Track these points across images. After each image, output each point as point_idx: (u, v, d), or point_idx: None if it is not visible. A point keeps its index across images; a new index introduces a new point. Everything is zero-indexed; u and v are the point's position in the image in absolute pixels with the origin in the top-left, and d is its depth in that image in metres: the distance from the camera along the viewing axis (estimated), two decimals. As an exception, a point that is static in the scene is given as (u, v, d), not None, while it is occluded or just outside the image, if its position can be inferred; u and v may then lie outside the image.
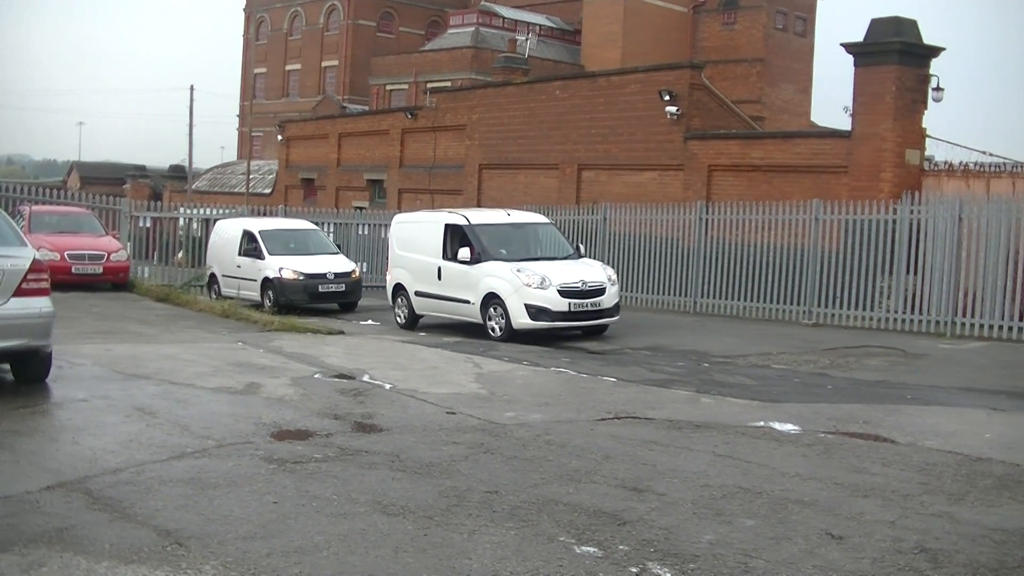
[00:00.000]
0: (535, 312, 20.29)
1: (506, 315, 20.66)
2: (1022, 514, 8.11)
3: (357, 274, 27.46)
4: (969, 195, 23.64)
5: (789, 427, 11.49)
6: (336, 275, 26.68)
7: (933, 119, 27.33)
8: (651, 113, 32.23)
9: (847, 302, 23.76)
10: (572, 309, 20.48)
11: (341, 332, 20.27)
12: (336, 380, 14.08)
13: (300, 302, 25.86)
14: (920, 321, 22.39)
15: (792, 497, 8.41)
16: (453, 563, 6.62)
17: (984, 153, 26.63)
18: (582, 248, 23.89)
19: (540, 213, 31.88)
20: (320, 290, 26.29)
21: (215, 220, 31.27)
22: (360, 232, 35.54)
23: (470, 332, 21.46)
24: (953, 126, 29.73)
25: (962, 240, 22.40)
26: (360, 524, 7.39)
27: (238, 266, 27.70)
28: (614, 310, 21.36)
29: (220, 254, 28.84)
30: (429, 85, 62.21)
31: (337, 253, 28.53)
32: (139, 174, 74.31)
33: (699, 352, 18.65)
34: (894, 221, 23.30)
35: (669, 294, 28.11)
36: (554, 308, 20.33)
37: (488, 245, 21.75)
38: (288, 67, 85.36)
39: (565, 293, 20.43)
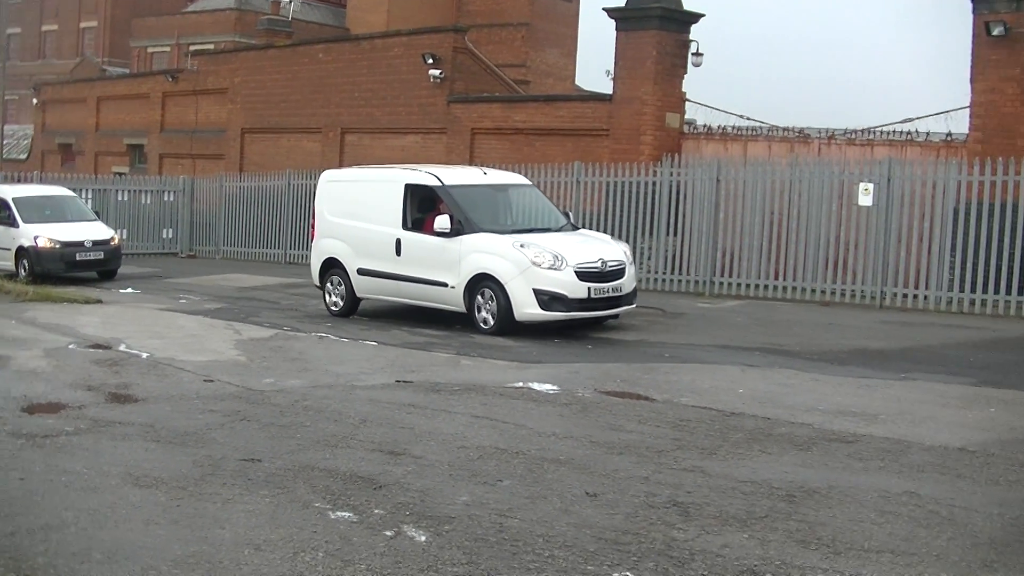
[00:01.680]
0: (548, 300, 16.08)
1: (504, 302, 16.30)
2: (771, 466, 8.41)
3: (116, 241, 26.68)
4: (727, 158, 24.34)
5: (548, 387, 11.68)
6: (94, 243, 25.84)
7: (693, 84, 27.93)
8: (414, 76, 32.16)
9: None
10: (592, 295, 16.36)
11: (99, 301, 19.72)
12: (92, 350, 13.76)
13: (57, 271, 25.01)
14: (681, 281, 23.00)
15: (548, 456, 8.55)
16: (205, 533, 6.55)
17: (742, 117, 27.28)
18: (571, 216, 19.48)
19: (305, 178, 31.79)
20: (78, 258, 25.45)
21: (-36, 187, 30.09)
22: (120, 198, 34.60)
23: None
24: (712, 91, 30.34)
25: (720, 202, 23.07)
26: (111, 497, 7.26)
27: (-9, 236, 26.71)
28: (632, 296, 17.42)
29: (-30, 223, 27.76)
30: (192, 47, 60.81)
31: (95, 220, 27.65)
32: None
33: (461, 315, 18.73)
34: (654, 183, 23.84)
35: (433, 257, 28.19)
36: (571, 295, 16.14)
37: (472, 212, 17.19)
38: (44, 27, 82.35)
39: (583, 275, 16.27)
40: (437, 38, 32.42)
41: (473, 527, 6.70)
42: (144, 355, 13.38)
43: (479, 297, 16.72)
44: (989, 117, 21.58)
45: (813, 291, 21.86)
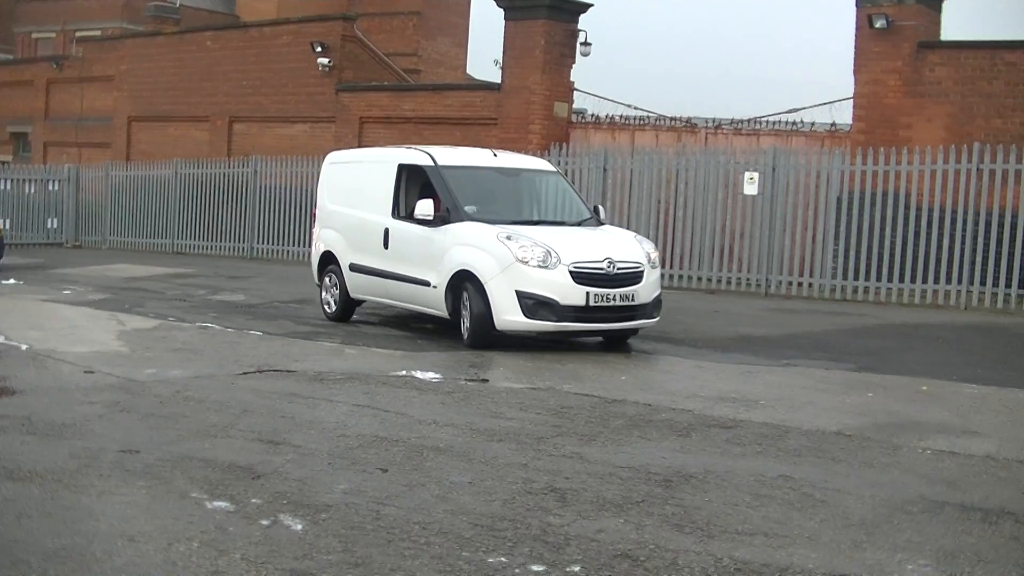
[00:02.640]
0: (532, 305, 13.30)
1: (481, 307, 13.60)
2: (649, 451, 8.47)
3: (-1, 232, 26.23)
4: (615, 147, 24.53)
5: (431, 375, 11.66)
6: (-26, 232, 25.41)
7: (582, 74, 28.14)
8: (303, 65, 31.99)
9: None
10: (592, 303, 13.37)
11: (-23, 292, 19.39)
12: (-34, 343, 13.51)
13: (-65, 262, 24.53)
14: (566, 269, 23.05)
15: (429, 444, 8.54)
16: (79, 525, 6.45)
17: (630, 107, 27.49)
18: (603, 211, 16.67)
19: (193, 167, 31.45)
20: (-43, 249, 24.97)
21: None
22: (2, 187, 34.03)
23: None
24: (601, 81, 30.58)
25: (607, 190, 23.26)
26: (-18, 491, 7.13)
27: None
28: (653, 307, 14.09)
29: None
30: (78, 34, 59.82)
31: (-24, 210, 27.19)
32: None
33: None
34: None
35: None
36: (563, 300, 13.29)
37: (462, 197, 14.56)
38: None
39: (581, 277, 13.39)
40: (326, 26, 32.27)
41: (350, 515, 6.67)
42: (23, 347, 13.13)
43: (463, 298, 13.97)
44: (872, 108, 21.99)
45: (700, 279, 22.11)
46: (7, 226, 31.80)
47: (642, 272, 13.76)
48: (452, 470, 7.79)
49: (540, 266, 13.31)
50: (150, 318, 16.33)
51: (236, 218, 30.69)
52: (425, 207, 14.36)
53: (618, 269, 13.56)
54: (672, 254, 22.46)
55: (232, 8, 64.86)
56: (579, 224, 15.09)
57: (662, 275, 15.42)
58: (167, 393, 10.43)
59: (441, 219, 14.34)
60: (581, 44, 27.48)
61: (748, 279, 21.78)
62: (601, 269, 13.48)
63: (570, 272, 13.31)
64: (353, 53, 31.99)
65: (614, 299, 13.48)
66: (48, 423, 9.11)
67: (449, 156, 15.53)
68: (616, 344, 14.44)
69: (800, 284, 21.30)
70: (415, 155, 15.47)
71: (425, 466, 7.86)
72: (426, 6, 56.54)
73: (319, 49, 31.31)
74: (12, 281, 21.82)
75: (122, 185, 33.94)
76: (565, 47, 26.97)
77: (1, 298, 18.76)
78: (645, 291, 13.77)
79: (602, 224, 15.47)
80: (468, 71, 59.20)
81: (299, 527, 6.45)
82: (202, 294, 20.28)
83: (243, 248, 30.48)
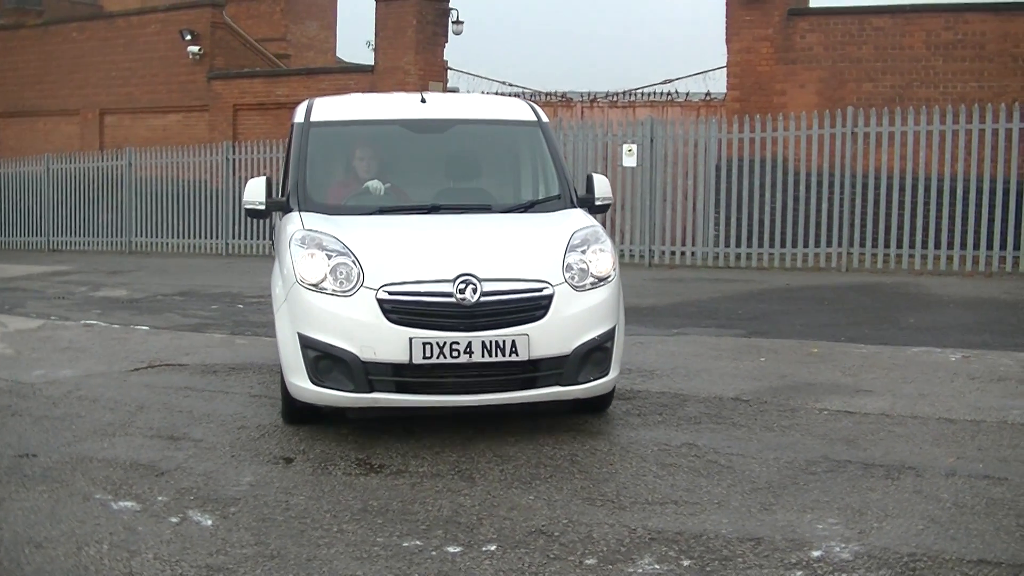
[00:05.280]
0: (316, 361, 7.78)
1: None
2: (552, 426, 8.47)
3: None
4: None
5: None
6: None
7: (455, 52, 28.18)
8: (173, 54, 31.58)
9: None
10: (425, 358, 7.49)
11: None
12: None
13: None
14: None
15: (331, 432, 8.47)
16: (-19, 534, 6.33)
17: (504, 83, 27.59)
18: (601, 186, 9.46)
19: (65, 162, 30.87)
20: None
21: None
22: None
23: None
24: (474, 59, 30.72)
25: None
26: None
27: None
28: (578, 365, 7.85)
29: None
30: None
31: None
32: None
33: (232, 293, 18.46)
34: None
35: (200, 237, 28.07)
36: (364, 353, 7.58)
37: (313, 172, 9.26)
38: None
39: (401, 310, 7.62)
40: (194, 14, 31.83)
41: (259, 507, 6.62)
42: (-97, 354, 12.83)
43: None
44: (745, 76, 22.29)
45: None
46: None
47: (544, 299, 7.74)
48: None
49: (334, 290, 7.77)
50: (32, 318, 15.99)
51: (112, 212, 30.22)
52: (253, 189, 9.21)
53: (485, 296, 7.60)
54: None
55: (98, -2, 63.61)
56: (525, 209, 9.23)
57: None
58: (58, 394, 10.23)
59: (278, 206, 9.30)
60: (453, 23, 27.57)
61: (631, 250, 21.93)
62: (442, 295, 7.58)
63: (379, 301, 7.60)
64: (223, 40, 31.63)
65: (471, 351, 7.51)
66: (-63, 432, 8.90)
67: (339, 107, 10.07)
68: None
69: (683, 253, 21.53)
70: (299, 109, 9.91)
71: (330, 453, 7.81)
72: (292, -10, 55.88)
73: (188, 37, 30.95)
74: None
75: (-11, 183, 33.25)
76: (437, 26, 27.03)
77: None
78: (554, 335, 7.71)
79: (573, 208, 9.18)
80: (338, 54, 58.77)
81: (209, 522, 6.38)
82: (83, 291, 19.91)
83: (121, 242, 30.04)
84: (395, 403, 7.77)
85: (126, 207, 29.83)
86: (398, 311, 7.59)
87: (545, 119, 9.89)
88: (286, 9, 58.49)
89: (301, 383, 7.88)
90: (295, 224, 8.51)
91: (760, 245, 20.65)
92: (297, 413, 8.52)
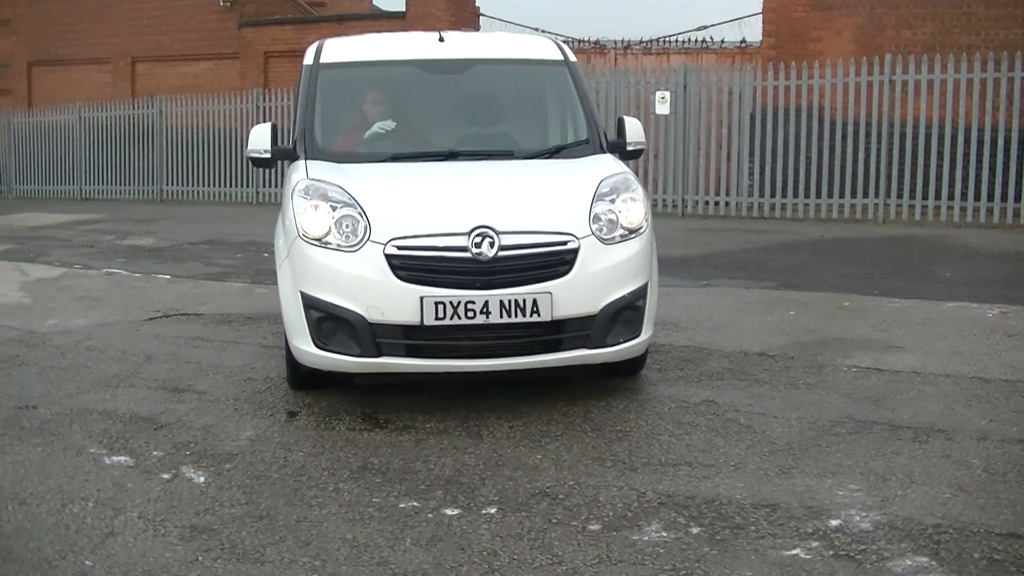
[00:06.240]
0: (320, 323, 7.11)
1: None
2: (565, 381, 8.17)
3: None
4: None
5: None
6: None
7: (488, -2, 27.83)
8: (203, 1, 31.28)
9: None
10: (436, 319, 6.79)
11: None
12: None
13: None
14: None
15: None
16: (-33, 490, 6.10)
17: (536, 30, 27.17)
18: (633, 129, 8.60)
19: (97, 110, 30.71)
20: None
21: None
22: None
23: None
24: (508, 5, 30.31)
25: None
26: None
27: None
28: (606, 325, 7.14)
29: None
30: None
31: None
32: None
33: (258, 243, 18.17)
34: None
35: (231, 186, 27.83)
36: (371, 314, 6.89)
37: (326, 115, 8.70)
38: None
39: (411, 266, 6.91)
40: (226, -40, 31.50)
41: (256, 464, 6.37)
42: (-83, 301, 12.66)
43: None
44: (781, 23, 21.80)
45: (615, 202, 21.86)
46: (-93, 178, 31.25)
47: (569, 253, 7.04)
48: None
49: (338, 246, 7.06)
50: (55, 267, 15.83)
51: (144, 160, 30.00)
52: (257, 137, 8.46)
53: (503, 249, 6.89)
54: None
55: (130, -55, 63.20)
56: (550, 154, 8.45)
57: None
58: (68, 344, 10.02)
59: (285, 154, 8.53)
60: (483, -32, 27.16)
61: (664, 200, 21.54)
62: (456, 250, 6.90)
63: (387, 256, 6.91)
64: (254, -14, 31.32)
65: (488, 311, 6.82)
66: (-61, 381, 8.70)
67: (350, 48, 9.33)
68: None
69: (716, 203, 21.12)
70: (309, 51, 9.34)
71: (335, 407, 7.54)
72: (333, -62, 55.62)
73: (219, -17, 30.68)
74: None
75: (24, 132, 33.14)
76: (469, -29, 26.65)
77: (-102, 252, 18.15)
78: (579, 292, 7.02)
79: (603, 153, 8.37)
80: (375, 3, 58.47)
81: (201, 479, 6.14)
82: (110, 239, 19.74)
83: (152, 191, 29.83)
84: (405, 368, 7.06)
85: (157, 155, 29.59)
86: (407, 267, 6.87)
87: (573, 58, 9.13)
88: (323, -43, 57.95)
89: (304, 346, 7.20)
90: (299, 173, 7.84)
91: (795, 196, 20.21)
92: (302, 378, 7.86)
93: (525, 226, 7.07)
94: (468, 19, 26.60)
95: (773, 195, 20.42)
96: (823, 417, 7.07)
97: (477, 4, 27.16)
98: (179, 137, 28.90)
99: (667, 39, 24.76)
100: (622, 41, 25.18)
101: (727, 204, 20.96)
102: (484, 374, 7.28)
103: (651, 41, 24.71)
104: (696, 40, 24.27)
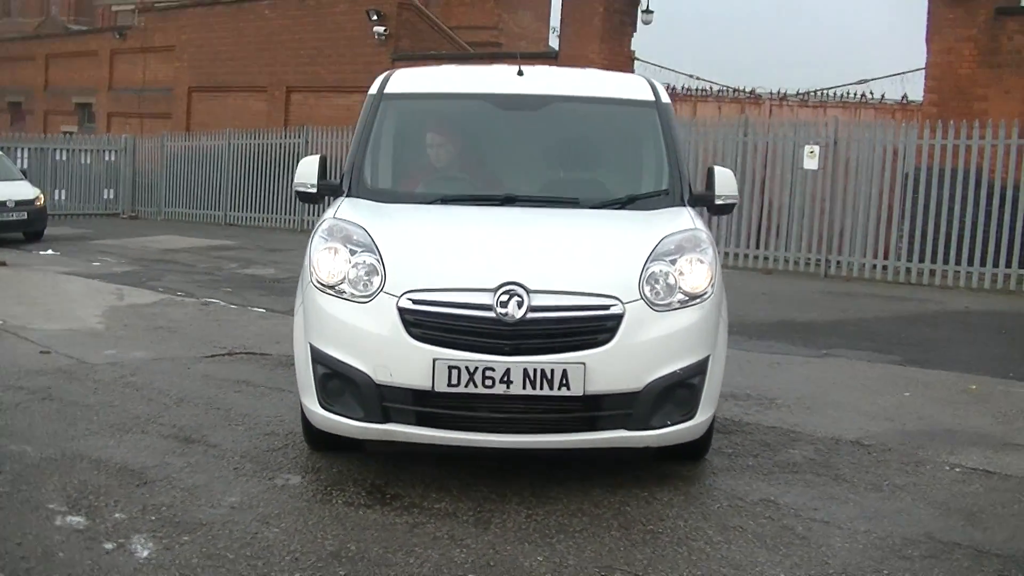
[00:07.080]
0: (326, 381, 6.28)
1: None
2: (618, 467, 7.17)
3: (42, 202, 25.29)
4: (676, 119, 23.28)
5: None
6: (17, 203, 24.43)
7: (643, 43, 27.00)
8: (359, 34, 31.14)
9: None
10: (449, 385, 5.84)
11: (2, 264, 18.47)
12: (-63, 316, 12.55)
13: (-22, 233, 23.57)
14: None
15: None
16: None
17: (691, 76, 26.39)
18: (724, 181, 7.59)
19: (246, 137, 30.57)
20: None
21: None
22: (58, 158, 33.31)
23: None
24: (663, 49, 29.44)
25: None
26: None
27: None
28: (652, 406, 6.06)
29: None
30: (156, 5, 59.43)
31: (21, 180, 26.20)
32: None
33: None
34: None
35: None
36: (378, 374, 6.00)
37: (381, 152, 7.87)
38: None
39: (426, 323, 5.97)
40: (382, -6, 31.31)
41: (219, 539, 5.51)
42: (-4, 323, 12.17)
43: None
44: (945, 79, 20.55)
45: (755, 257, 20.82)
46: (63, 197, 31.55)
47: (610, 319, 6.02)
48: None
49: (351, 295, 6.24)
50: (157, 292, 15.42)
51: (287, 189, 29.75)
52: (304, 170, 7.68)
53: (533, 311, 5.93)
54: (722, 231, 21.08)
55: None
56: (622, 205, 7.35)
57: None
58: (109, 378, 9.35)
59: (331, 189, 7.63)
60: (642, 12, 26.38)
61: (808, 259, 20.38)
62: (478, 308, 5.97)
63: (399, 310, 6.03)
64: (410, 22, 31.06)
65: (510, 380, 5.87)
66: (-45, 412, 8.06)
67: (421, 79, 8.32)
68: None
69: (863, 266, 19.88)
70: (377, 80, 8.19)
71: (345, 474, 6.66)
72: (507, -20, 55.54)
73: (375, 17, 30.49)
74: (49, 252, 21.22)
75: (176, 156, 33.32)
76: (625, 15, 25.84)
77: (14, 270, 17.90)
78: (620, 365, 6.00)
79: (683, 206, 7.31)
80: (551, 44, 58.30)
81: (144, 554, 5.30)
82: (232, 267, 19.34)
83: (294, 220, 29.58)
84: (414, 438, 6.08)
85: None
86: (422, 324, 5.96)
87: (666, 99, 8.03)
88: None
89: (311, 405, 6.40)
90: (331, 211, 6.96)
91: (946, 262, 18.89)
92: (316, 437, 6.92)
93: (562, 285, 6.07)
94: (623, 62, 25.76)
95: (923, 260, 19.14)
96: (897, 532, 5.90)
97: (632, 48, 26.28)
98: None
99: (825, 91, 23.64)
100: (778, 92, 24.13)
101: (873, 267, 19.73)
102: (507, 451, 6.26)
103: (808, 93, 23.61)
104: (855, 94, 23.12)
